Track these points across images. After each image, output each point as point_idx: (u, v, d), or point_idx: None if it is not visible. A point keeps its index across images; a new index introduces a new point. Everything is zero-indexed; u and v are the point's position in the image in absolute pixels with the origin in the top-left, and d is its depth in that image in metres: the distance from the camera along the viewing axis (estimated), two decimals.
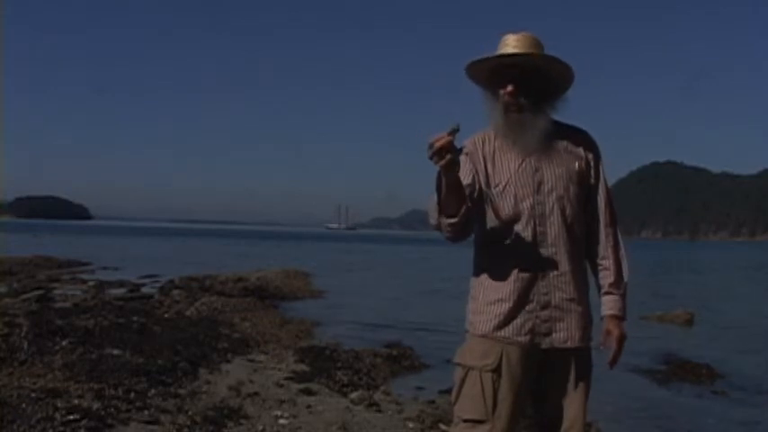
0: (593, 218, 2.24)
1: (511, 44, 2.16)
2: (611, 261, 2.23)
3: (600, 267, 2.25)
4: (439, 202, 2.06)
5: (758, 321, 13.23)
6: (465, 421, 2.14)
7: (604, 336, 2.21)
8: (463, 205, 2.05)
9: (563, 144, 2.22)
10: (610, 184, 2.32)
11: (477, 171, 2.17)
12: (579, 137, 2.26)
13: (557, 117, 2.23)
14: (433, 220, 2.11)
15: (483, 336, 2.16)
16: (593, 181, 2.24)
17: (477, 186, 2.15)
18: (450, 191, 2.01)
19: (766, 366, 8.50)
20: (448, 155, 1.91)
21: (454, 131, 1.92)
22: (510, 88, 2.13)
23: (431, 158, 1.93)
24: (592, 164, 2.24)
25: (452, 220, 2.06)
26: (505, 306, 2.14)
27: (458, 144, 1.96)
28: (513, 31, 2.19)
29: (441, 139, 1.90)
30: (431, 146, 1.91)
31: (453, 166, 1.95)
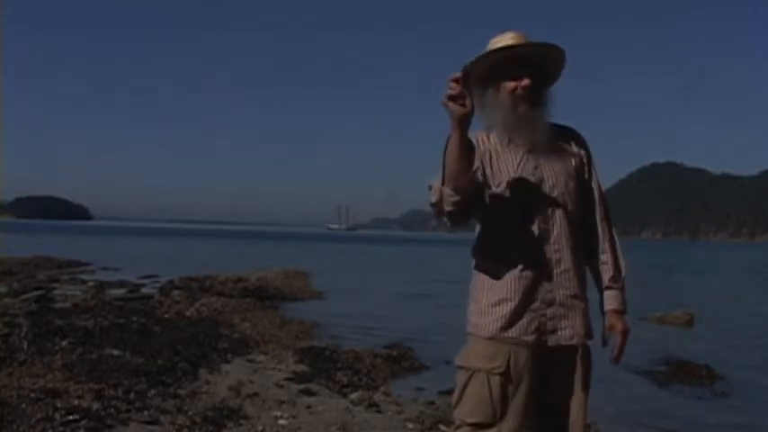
0: (589, 213, 2.25)
1: (512, 39, 2.15)
2: (608, 255, 2.23)
3: (597, 262, 2.25)
4: (444, 167, 2.00)
5: (758, 322, 13.22)
6: (470, 425, 2.13)
7: (608, 331, 2.21)
8: (469, 174, 2.01)
9: (557, 141, 2.22)
10: (610, 184, 2.33)
11: (481, 165, 2.13)
12: (569, 134, 2.27)
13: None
14: (434, 197, 2.04)
15: (489, 338, 2.14)
16: (587, 176, 2.25)
17: (480, 178, 2.10)
18: (461, 152, 1.97)
19: (766, 368, 8.50)
20: (461, 100, 1.90)
21: (464, 77, 1.91)
22: (526, 82, 2.12)
23: (450, 86, 1.90)
24: (585, 160, 2.25)
25: (456, 198, 2.01)
26: (510, 306, 2.13)
27: None
28: (510, 29, 2.18)
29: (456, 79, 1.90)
30: (456, 80, 1.90)
31: (468, 116, 1.94)
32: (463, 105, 1.92)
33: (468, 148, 2.00)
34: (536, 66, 2.14)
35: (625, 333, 2.19)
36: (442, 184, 2.02)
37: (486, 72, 2.15)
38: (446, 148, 1.99)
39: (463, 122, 1.95)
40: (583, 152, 2.25)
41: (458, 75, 1.91)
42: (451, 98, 1.91)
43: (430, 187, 2.07)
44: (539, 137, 2.15)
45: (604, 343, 2.22)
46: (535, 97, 2.14)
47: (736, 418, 5.99)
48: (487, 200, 2.15)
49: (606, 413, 5.46)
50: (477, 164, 2.07)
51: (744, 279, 30.29)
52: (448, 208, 2.04)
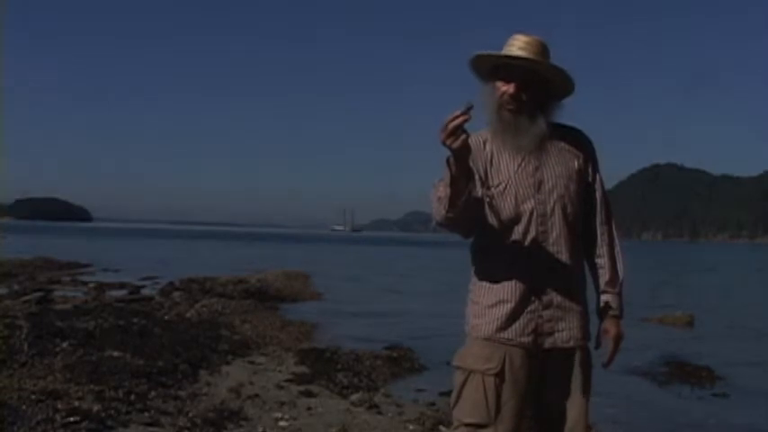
0: (590, 216, 2.24)
1: (517, 45, 2.13)
2: (606, 259, 2.23)
3: (596, 266, 2.24)
4: (447, 194, 1.97)
5: (758, 323, 13.22)
6: (466, 425, 2.12)
7: (601, 335, 2.21)
8: (466, 195, 1.98)
9: (560, 143, 2.21)
10: (610, 185, 2.32)
11: (478, 170, 2.13)
12: (575, 135, 2.26)
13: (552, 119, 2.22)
14: (438, 217, 2.04)
15: (486, 339, 2.15)
16: (590, 179, 2.24)
17: (478, 193, 2.10)
18: (461, 178, 1.95)
19: (767, 368, 8.50)
20: (463, 134, 1.87)
21: (469, 109, 1.87)
22: (512, 89, 2.11)
23: (444, 141, 1.88)
24: (589, 162, 2.24)
25: (450, 215, 2.00)
26: (507, 307, 2.13)
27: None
28: (524, 33, 2.16)
29: (457, 117, 1.86)
30: (444, 127, 1.87)
31: (468, 150, 1.92)
32: (456, 140, 1.88)
33: (468, 175, 1.98)
34: (534, 73, 2.12)
35: (618, 338, 2.19)
36: (449, 203, 2.00)
37: (489, 71, 2.17)
38: (447, 161, 1.96)
39: (459, 156, 1.92)
40: (586, 154, 2.24)
41: (454, 115, 1.87)
42: (447, 135, 1.88)
43: (434, 185, 2.07)
44: (524, 143, 2.13)
45: (597, 345, 2.22)
46: (522, 105, 2.11)
47: (737, 418, 5.99)
48: (486, 201, 2.14)
49: (606, 414, 5.46)
50: (474, 169, 2.05)
51: (744, 280, 30.28)
52: (441, 221, 2.05)
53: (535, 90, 2.13)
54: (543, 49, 2.15)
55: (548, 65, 2.14)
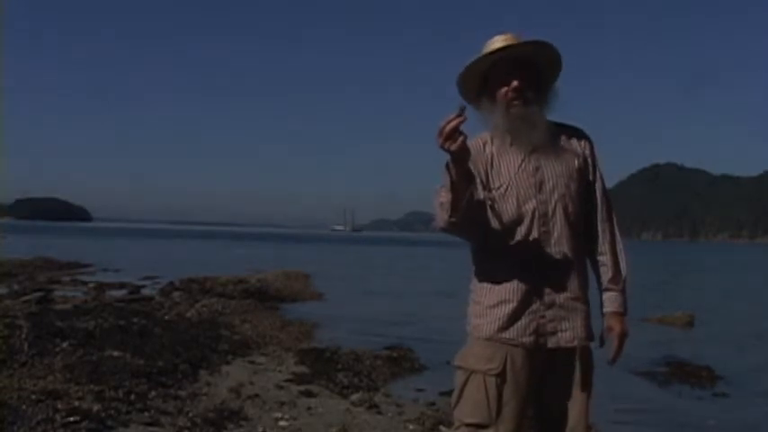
0: (591, 214, 2.23)
1: (498, 40, 2.14)
2: (608, 256, 2.22)
3: (598, 264, 2.24)
4: (448, 199, 1.97)
5: (758, 323, 13.22)
6: (467, 426, 2.12)
7: (606, 332, 2.21)
8: (467, 197, 1.98)
9: (560, 142, 2.21)
10: (610, 185, 2.31)
11: (478, 173, 2.13)
12: (575, 134, 2.26)
13: (551, 115, 2.21)
14: (442, 223, 2.03)
15: (487, 339, 2.14)
16: (590, 177, 2.24)
17: (480, 195, 2.09)
18: (462, 181, 1.94)
19: (766, 368, 8.50)
20: (460, 136, 1.87)
21: (462, 110, 1.87)
22: (515, 83, 2.11)
23: (443, 145, 1.88)
24: (589, 160, 2.24)
25: (453, 220, 2.00)
26: (509, 307, 2.12)
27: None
28: (501, 32, 2.17)
29: (452, 120, 1.86)
30: (441, 131, 1.87)
31: (467, 152, 1.92)
32: (454, 142, 1.88)
33: (469, 178, 1.97)
34: (527, 65, 2.13)
35: (622, 335, 2.19)
36: (451, 207, 1.99)
37: (481, 80, 2.17)
38: (446, 165, 1.96)
39: (458, 159, 1.92)
40: (587, 152, 2.23)
41: (449, 118, 1.88)
42: (444, 138, 1.88)
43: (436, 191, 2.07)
44: (536, 135, 2.13)
45: (602, 343, 2.22)
46: (529, 97, 2.12)
47: (737, 418, 5.99)
48: (487, 203, 2.14)
49: (606, 413, 5.45)
50: (474, 172, 2.04)
51: (744, 280, 30.27)
52: (445, 226, 2.04)
53: (535, 79, 2.14)
54: (519, 38, 2.15)
55: (539, 42, 2.13)
